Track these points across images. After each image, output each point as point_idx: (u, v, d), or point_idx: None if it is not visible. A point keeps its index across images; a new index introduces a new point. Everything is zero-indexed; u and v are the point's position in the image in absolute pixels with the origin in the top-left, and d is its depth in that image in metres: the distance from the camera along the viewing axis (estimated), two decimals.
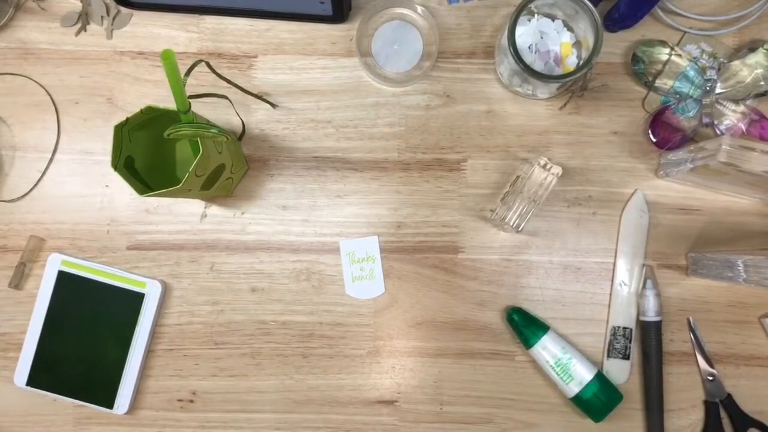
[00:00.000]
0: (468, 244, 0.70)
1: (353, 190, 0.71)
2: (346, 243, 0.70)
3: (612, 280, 0.70)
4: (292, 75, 0.71)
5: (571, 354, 0.67)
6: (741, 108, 0.68)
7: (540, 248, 0.70)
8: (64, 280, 0.69)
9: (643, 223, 0.70)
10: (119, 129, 0.56)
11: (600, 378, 0.67)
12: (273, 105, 0.70)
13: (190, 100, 0.54)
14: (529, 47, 0.67)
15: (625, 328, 0.69)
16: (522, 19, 0.66)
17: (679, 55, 0.68)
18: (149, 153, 0.62)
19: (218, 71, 0.63)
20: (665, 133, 0.69)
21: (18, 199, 0.71)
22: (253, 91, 0.68)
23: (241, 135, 0.70)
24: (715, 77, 0.68)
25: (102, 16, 0.71)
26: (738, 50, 0.69)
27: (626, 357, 0.69)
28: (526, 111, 0.70)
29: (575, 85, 0.69)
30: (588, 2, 0.62)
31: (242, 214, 0.71)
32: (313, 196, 0.71)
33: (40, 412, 0.70)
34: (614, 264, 0.70)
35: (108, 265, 0.70)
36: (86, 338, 0.69)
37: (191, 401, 0.70)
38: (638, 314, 0.69)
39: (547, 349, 0.67)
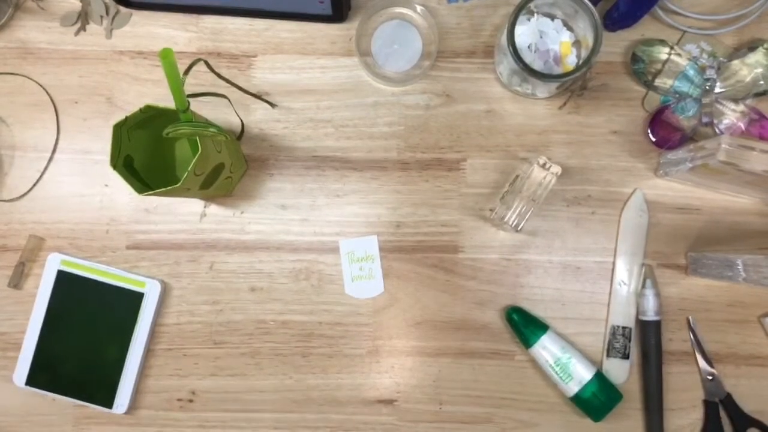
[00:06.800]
0: (467, 243, 0.70)
1: (352, 190, 0.71)
2: (346, 242, 0.70)
3: (611, 280, 0.70)
4: (291, 74, 0.71)
5: (570, 353, 0.67)
6: (740, 107, 0.68)
7: (539, 248, 0.70)
8: (63, 279, 0.69)
9: (642, 222, 0.69)
10: (118, 128, 0.56)
11: (599, 377, 0.67)
12: (272, 105, 0.70)
13: (189, 99, 0.54)
14: (528, 46, 0.67)
15: (624, 327, 0.69)
16: (521, 18, 0.66)
17: (679, 55, 0.68)
18: (148, 152, 0.62)
19: (217, 71, 0.63)
20: (665, 133, 0.69)
21: (17, 198, 0.71)
22: (252, 91, 0.68)
23: (241, 134, 0.70)
24: (715, 76, 0.68)
25: (101, 16, 0.71)
26: (738, 49, 0.69)
27: (626, 356, 0.69)
28: (525, 110, 0.70)
29: (575, 85, 0.69)
30: (587, 2, 0.62)
31: (242, 213, 0.71)
32: (312, 196, 0.71)
33: (39, 412, 0.70)
34: (614, 263, 0.70)
35: (107, 265, 0.70)
36: (85, 338, 0.69)
37: (190, 401, 0.70)
38: (638, 314, 0.69)
39: (546, 348, 0.67)
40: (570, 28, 0.67)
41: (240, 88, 0.66)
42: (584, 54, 0.65)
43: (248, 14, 0.70)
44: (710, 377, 0.69)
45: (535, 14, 0.67)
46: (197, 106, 0.69)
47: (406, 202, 0.70)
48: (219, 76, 0.62)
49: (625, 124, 0.70)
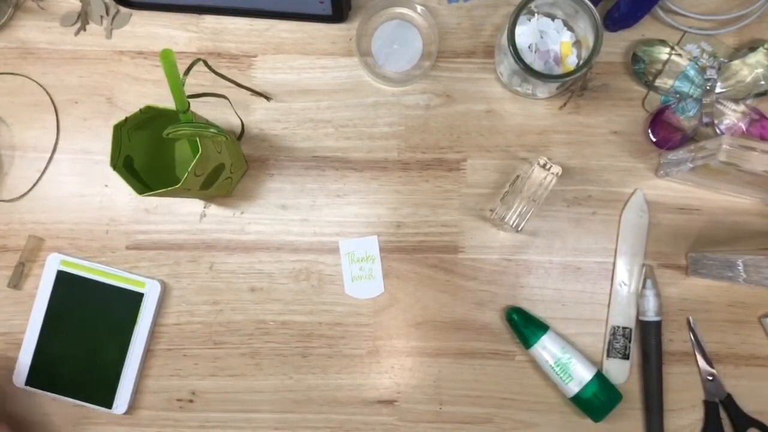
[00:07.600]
0: (468, 243, 0.70)
1: (353, 190, 0.70)
2: (346, 243, 0.70)
3: (612, 280, 0.70)
4: (291, 75, 0.71)
5: (570, 354, 0.67)
6: (741, 107, 0.68)
7: (540, 248, 0.70)
8: (63, 279, 0.69)
9: (642, 222, 0.69)
10: (118, 128, 0.56)
11: (599, 378, 0.67)
12: (267, 98, 0.70)
13: (189, 100, 0.54)
14: (528, 47, 0.67)
15: (624, 327, 0.69)
16: (522, 18, 0.66)
17: (680, 55, 0.68)
18: (148, 153, 0.62)
19: (218, 71, 0.63)
20: (665, 133, 0.69)
21: (17, 198, 0.71)
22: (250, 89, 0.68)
23: (241, 134, 0.70)
24: (715, 77, 0.68)
25: (101, 16, 0.71)
26: (738, 49, 0.69)
27: (626, 357, 0.69)
28: (525, 110, 0.70)
29: (575, 85, 0.69)
30: (588, 2, 0.61)
31: (242, 213, 0.71)
32: (312, 196, 0.71)
33: (39, 412, 0.70)
34: (614, 264, 0.70)
35: (107, 265, 0.70)
36: (85, 338, 0.69)
37: (190, 401, 0.70)
38: (638, 314, 0.69)
39: (546, 348, 0.67)
40: (570, 29, 0.67)
41: (234, 83, 0.66)
42: (585, 54, 0.65)
43: (248, 14, 0.70)
44: (710, 377, 0.69)
45: (536, 14, 0.67)
46: (197, 107, 0.69)
47: (406, 203, 0.70)
48: (218, 74, 0.62)
49: (626, 125, 0.70)
